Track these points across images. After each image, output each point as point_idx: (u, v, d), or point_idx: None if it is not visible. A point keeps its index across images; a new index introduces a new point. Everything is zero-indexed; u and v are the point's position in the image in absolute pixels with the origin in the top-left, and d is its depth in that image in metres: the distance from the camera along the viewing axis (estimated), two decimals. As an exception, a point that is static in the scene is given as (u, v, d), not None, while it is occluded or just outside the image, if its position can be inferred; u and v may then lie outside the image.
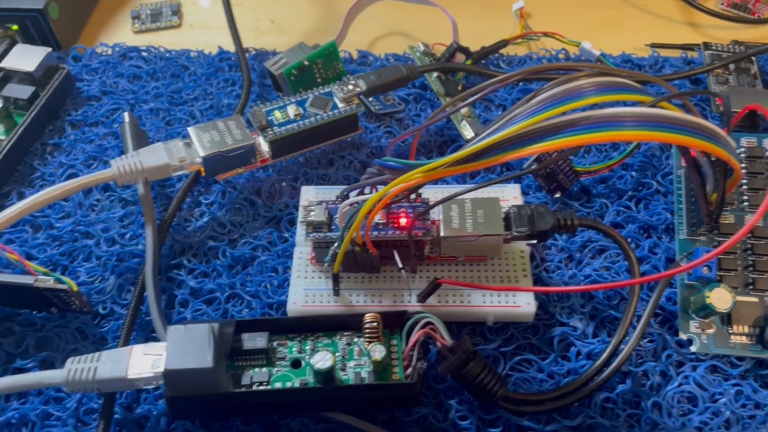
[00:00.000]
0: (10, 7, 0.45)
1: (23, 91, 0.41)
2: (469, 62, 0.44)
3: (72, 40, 0.48)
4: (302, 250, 0.35)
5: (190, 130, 0.37)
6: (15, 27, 0.45)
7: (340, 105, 0.38)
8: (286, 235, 0.37)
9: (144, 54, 0.47)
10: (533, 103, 0.26)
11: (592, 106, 0.25)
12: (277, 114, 0.38)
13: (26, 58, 0.42)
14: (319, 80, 0.43)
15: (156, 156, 0.35)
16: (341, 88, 0.39)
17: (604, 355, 0.31)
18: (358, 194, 0.33)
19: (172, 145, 0.36)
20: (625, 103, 0.26)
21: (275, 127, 0.37)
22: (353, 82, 0.39)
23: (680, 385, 0.32)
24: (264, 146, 0.38)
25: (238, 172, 0.38)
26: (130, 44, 0.47)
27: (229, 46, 0.46)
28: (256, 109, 0.38)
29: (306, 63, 0.41)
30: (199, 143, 0.36)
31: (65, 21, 0.47)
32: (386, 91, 0.40)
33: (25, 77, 0.42)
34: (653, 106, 0.26)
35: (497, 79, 0.28)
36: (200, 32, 0.50)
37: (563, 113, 0.25)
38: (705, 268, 0.33)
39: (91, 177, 0.35)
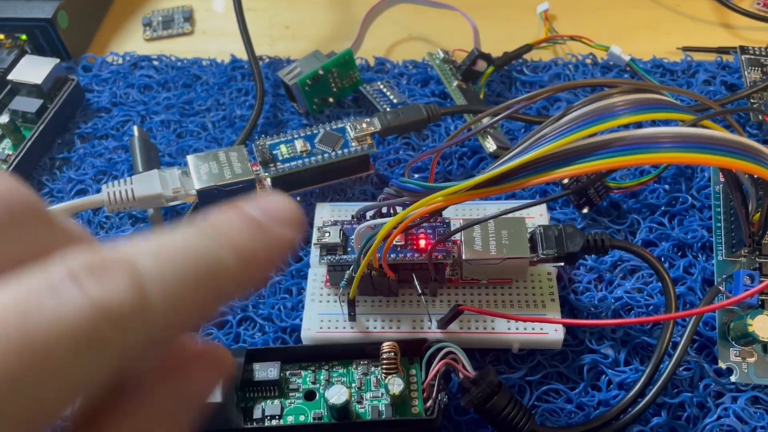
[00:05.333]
0: (18, 16, 0.43)
1: (31, 105, 0.40)
2: (491, 69, 0.42)
3: (82, 49, 0.47)
4: (317, 272, 0.33)
5: (189, 159, 0.34)
6: (23, 37, 0.44)
7: (352, 144, 0.36)
8: (300, 254, 0.36)
9: (155, 63, 0.46)
10: (562, 123, 0.24)
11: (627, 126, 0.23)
12: (283, 148, 0.35)
13: (34, 70, 0.41)
14: (334, 90, 0.41)
15: (149, 185, 0.34)
16: (354, 125, 0.36)
17: (638, 386, 0.29)
18: (374, 215, 0.32)
19: (168, 174, 0.34)
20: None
21: (279, 163, 0.35)
22: (368, 120, 0.36)
23: (719, 417, 0.29)
24: (266, 181, 0.35)
25: None
26: (141, 53, 0.46)
27: (243, 54, 0.45)
28: (260, 143, 0.35)
29: (321, 72, 0.40)
30: (196, 174, 0.34)
31: (75, 30, 0.46)
32: (403, 132, 0.37)
33: (33, 90, 0.40)
34: (694, 125, 0.24)
35: (523, 97, 0.26)
36: (213, 39, 0.48)
37: (595, 134, 0.23)
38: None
39: (80, 202, 0.34)
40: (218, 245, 0.14)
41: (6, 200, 0.14)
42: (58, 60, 0.41)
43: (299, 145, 0.35)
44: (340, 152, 0.35)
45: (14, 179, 0.14)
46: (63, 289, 0.12)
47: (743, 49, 0.42)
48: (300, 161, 0.35)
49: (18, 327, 0.11)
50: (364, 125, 0.36)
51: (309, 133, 0.36)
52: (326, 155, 0.35)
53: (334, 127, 0.36)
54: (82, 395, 0.13)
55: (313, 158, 0.35)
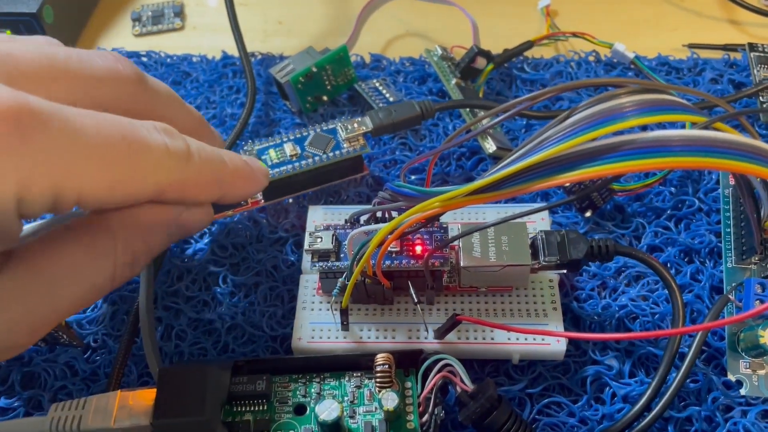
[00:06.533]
0: (2, 11, 0.42)
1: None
2: (490, 66, 0.41)
3: (69, 45, 0.45)
4: (308, 278, 0.32)
5: None
6: (8, 32, 0.43)
7: (344, 145, 0.34)
8: (292, 258, 0.34)
9: (144, 59, 0.44)
10: (567, 125, 0.23)
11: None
12: (272, 153, 0.34)
13: (17, 66, 0.39)
14: (328, 87, 0.40)
15: None
16: (345, 126, 0.34)
17: (644, 399, 0.28)
18: (368, 219, 0.30)
19: None
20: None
21: (269, 168, 0.33)
22: (359, 119, 0.35)
23: (729, 433, 0.28)
24: None
25: (227, 215, 0.34)
26: (130, 49, 0.45)
27: (234, 50, 0.43)
28: (248, 149, 0.34)
29: (314, 70, 0.38)
30: None
31: (61, 25, 0.44)
32: (396, 130, 0.36)
33: (16, 87, 0.39)
34: (706, 127, 0.23)
35: (525, 97, 0.25)
36: (204, 35, 0.47)
37: (601, 136, 0.22)
38: (757, 301, 0.29)
39: None
40: (226, 158, 0.27)
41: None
42: (42, 56, 0.40)
43: (289, 148, 0.34)
44: (331, 154, 0.34)
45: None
46: (152, 130, 0.24)
47: (752, 47, 0.41)
48: (290, 165, 0.33)
49: (125, 130, 0.23)
50: (356, 125, 0.34)
51: (299, 135, 0.34)
52: (317, 158, 0.33)
53: (325, 128, 0.35)
54: (147, 192, 0.24)
55: (303, 162, 0.33)
